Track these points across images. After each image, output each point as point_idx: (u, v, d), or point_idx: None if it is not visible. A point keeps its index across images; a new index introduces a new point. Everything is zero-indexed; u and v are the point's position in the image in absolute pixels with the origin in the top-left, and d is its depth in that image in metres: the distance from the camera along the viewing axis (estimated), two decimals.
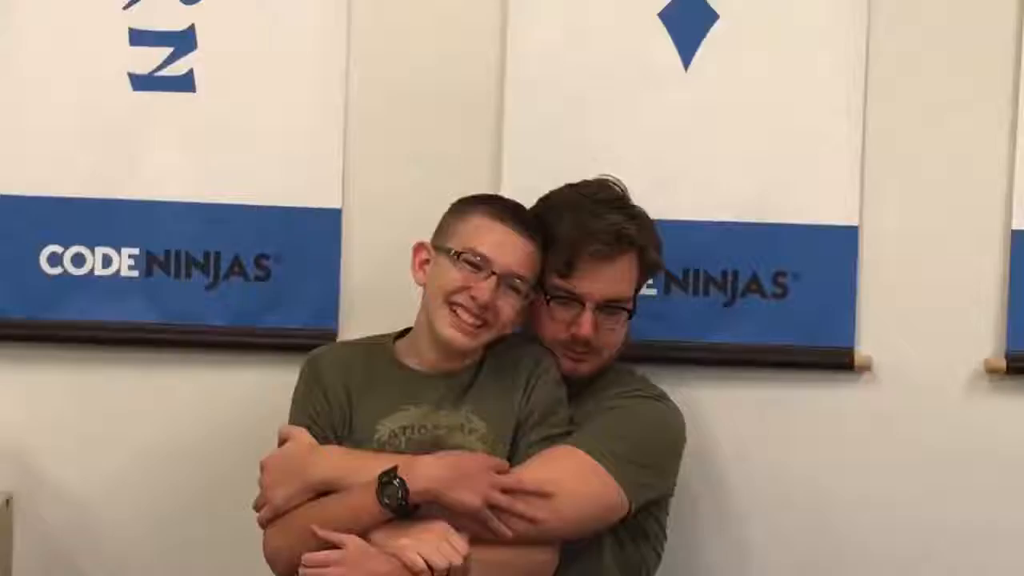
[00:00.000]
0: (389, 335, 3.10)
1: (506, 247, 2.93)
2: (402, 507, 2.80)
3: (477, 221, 2.97)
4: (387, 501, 2.78)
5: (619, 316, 3.07)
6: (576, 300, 3.03)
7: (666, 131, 3.34)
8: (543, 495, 2.87)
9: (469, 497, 2.80)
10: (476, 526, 2.85)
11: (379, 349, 3.10)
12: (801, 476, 3.39)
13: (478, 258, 2.90)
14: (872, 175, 3.33)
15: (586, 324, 3.02)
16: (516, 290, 2.94)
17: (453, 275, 2.92)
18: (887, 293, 3.36)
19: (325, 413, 3.00)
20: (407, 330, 3.08)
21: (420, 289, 2.99)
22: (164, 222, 3.33)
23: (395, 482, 2.79)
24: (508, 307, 2.94)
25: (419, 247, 3.02)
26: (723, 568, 3.45)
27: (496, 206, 3.02)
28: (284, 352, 3.26)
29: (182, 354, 3.37)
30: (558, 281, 3.03)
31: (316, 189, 3.34)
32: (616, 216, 3.06)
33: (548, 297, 3.04)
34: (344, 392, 3.00)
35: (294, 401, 3.05)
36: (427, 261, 3.01)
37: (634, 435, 3.00)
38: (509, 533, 2.84)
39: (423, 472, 2.81)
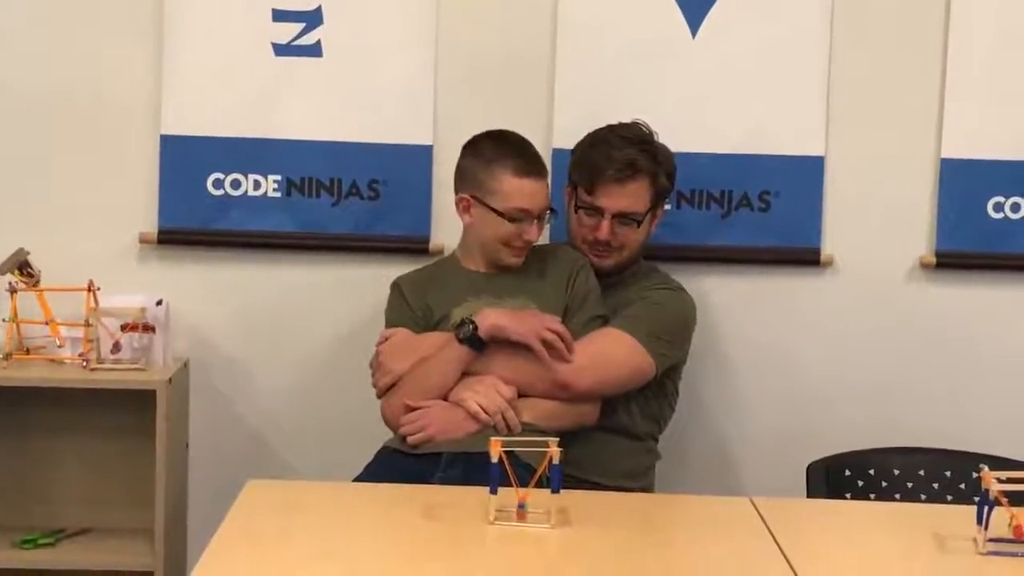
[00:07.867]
0: (453, 252, 3.51)
1: (537, 196, 3.36)
2: (473, 340, 3.20)
3: (509, 181, 3.32)
4: (461, 336, 3.19)
5: (632, 226, 3.46)
6: (598, 211, 3.46)
7: (679, 86, 3.74)
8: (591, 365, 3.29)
9: (526, 330, 3.23)
10: (527, 375, 3.23)
11: (445, 261, 3.50)
12: (780, 346, 3.84)
13: (523, 214, 3.34)
14: (834, 117, 3.75)
15: (603, 230, 3.44)
16: (546, 220, 3.42)
17: (507, 228, 3.34)
18: (845, 207, 3.79)
19: (411, 316, 3.39)
20: None
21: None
22: (300, 155, 3.73)
23: (468, 324, 3.22)
24: (540, 232, 3.40)
25: (459, 199, 3.40)
26: (719, 415, 3.87)
27: (519, 163, 3.34)
28: (389, 253, 3.74)
29: (313, 255, 3.78)
30: (585, 196, 3.45)
31: (414, 130, 3.73)
32: (631, 150, 3.43)
33: (577, 208, 3.46)
34: (422, 298, 3.39)
35: (387, 316, 3.43)
36: (469, 206, 3.38)
37: (659, 318, 3.43)
38: (570, 357, 3.24)
39: (490, 315, 3.24)
